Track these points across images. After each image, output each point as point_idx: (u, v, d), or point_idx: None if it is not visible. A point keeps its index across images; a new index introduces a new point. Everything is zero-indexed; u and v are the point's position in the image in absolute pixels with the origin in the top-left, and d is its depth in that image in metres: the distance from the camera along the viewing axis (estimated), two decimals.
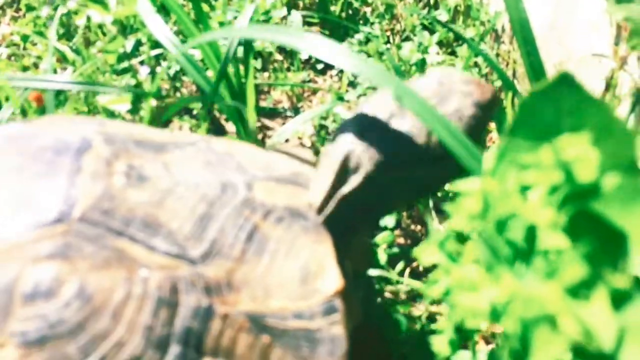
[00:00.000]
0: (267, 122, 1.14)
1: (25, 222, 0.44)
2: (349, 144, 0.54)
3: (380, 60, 1.21)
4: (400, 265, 0.80)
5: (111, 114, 1.05)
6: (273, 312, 0.46)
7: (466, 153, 0.48)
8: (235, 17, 1.26)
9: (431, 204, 0.87)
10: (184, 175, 0.51)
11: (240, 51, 0.98)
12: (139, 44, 1.20)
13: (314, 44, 0.57)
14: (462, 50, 1.21)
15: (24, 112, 0.95)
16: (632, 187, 0.23)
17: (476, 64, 1.19)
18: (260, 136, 1.10)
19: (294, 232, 0.50)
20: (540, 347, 0.21)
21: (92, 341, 0.40)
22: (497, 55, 1.22)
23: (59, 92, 1.07)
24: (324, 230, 0.52)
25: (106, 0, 1.12)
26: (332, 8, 1.39)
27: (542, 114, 0.26)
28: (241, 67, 0.97)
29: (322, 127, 1.09)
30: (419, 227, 0.91)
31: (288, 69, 1.26)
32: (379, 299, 0.78)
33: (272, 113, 1.17)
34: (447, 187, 0.71)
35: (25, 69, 1.23)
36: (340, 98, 1.13)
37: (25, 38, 1.31)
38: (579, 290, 0.21)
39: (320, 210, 0.54)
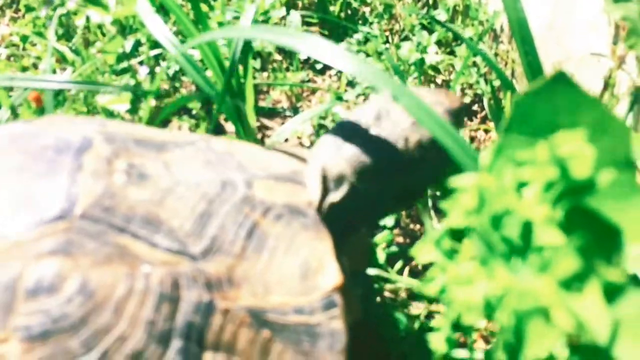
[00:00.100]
0: (266, 121, 1.15)
1: (28, 219, 0.44)
2: (327, 158, 0.56)
3: (379, 60, 1.22)
4: (399, 264, 0.81)
5: (110, 114, 1.05)
6: (273, 307, 0.46)
7: (461, 151, 0.49)
8: (235, 18, 1.27)
9: (430, 203, 0.88)
10: (184, 174, 0.51)
11: (241, 47, 0.99)
12: (138, 44, 1.20)
13: (313, 45, 0.58)
14: (461, 50, 1.22)
15: (15, 114, 0.95)
16: (627, 183, 0.23)
17: (475, 64, 1.19)
18: (259, 136, 1.10)
19: (293, 229, 0.51)
20: (534, 340, 0.21)
21: (95, 336, 0.40)
22: (496, 54, 1.22)
23: (58, 93, 1.07)
24: (323, 227, 0.53)
25: (105, 0, 1.12)
26: (331, 8, 1.39)
27: (538, 112, 0.26)
28: (240, 67, 0.98)
29: (321, 126, 1.09)
30: (417, 226, 0.92)
31: (287, 69, 1.26)
32: (378, 298, 0.78)
33: (271, 113, 1.17)
34: (436, 186, 0.72)
35: (24, 69, 1.23)
36: (339, 98, 1.13)
37: (24, 38, 1.31)
38: (573, 284, 0.22)
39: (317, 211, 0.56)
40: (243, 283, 0.46)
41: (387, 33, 1.35)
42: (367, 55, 1.25)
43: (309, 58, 1.29)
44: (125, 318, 0.41)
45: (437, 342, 0.37)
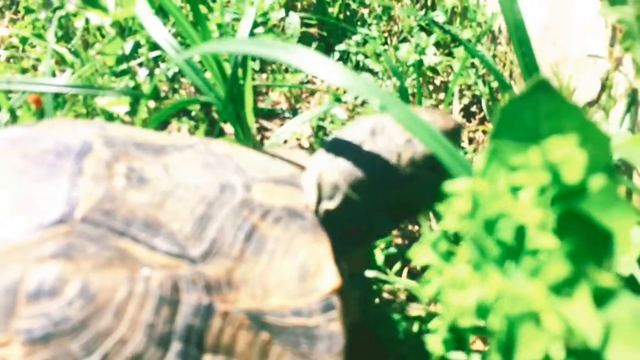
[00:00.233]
0: (265, 123, 1.15)
1: (28, 223, 0.45)
2: (323, 168, 0.58)
3: (377, 62, 1.22)
4: (397, 266, 0.81)
5: (110, 116, 1.06)
6: (272, 309, 0.46)
7: (454, 161, 0.49)
8: (234, 19, 1.27)
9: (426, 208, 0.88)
10: (184, 177, 0.52)
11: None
12: (137, 46, 1.20)
13: (304, 58, 0.58)
14: (459, 51, 1.22)
15: (14, 116, 0.96)
16: (612, 189, 0.24)
17: (473, 65, 1.20)
18: (258, 137, 1.10)
19: (291, 232, 0.51)
20: (525, 344, 0.22)
21: (95, 339, 0.41)
22: (494, 56, 1.23)
23: (57, 94, 1.08)
24: (321, 230, 0.53)
25: (104, 2, 1.12)
26: (330, 10, 1.40)
27: (521, 118, 0.27)
28: (239, 69, 0.98)
29: (320, 128, 1.10)
30: (416, 227, 0.92)
31: (286, 70, 1.27)
32: (376, 300, 0.78)
33: (270, 114, 1.18)
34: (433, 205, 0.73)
35: (24, 71, 1.23)
36: (338, 99, 1.14)
37: (24, 40, 1.32)
38: (563, 289, 0.22)
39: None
40: (242, 286, 0.47)
41: (386, 34, 1.35)
42: (366, 56, 1.25)
43: None
44: (126, 321, 0.42)
45: (434, 344, 0.38)
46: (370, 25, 1.38)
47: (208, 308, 0.44)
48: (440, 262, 0.30)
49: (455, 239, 0.31)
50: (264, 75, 1.26)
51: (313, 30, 1.38)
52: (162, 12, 1.25)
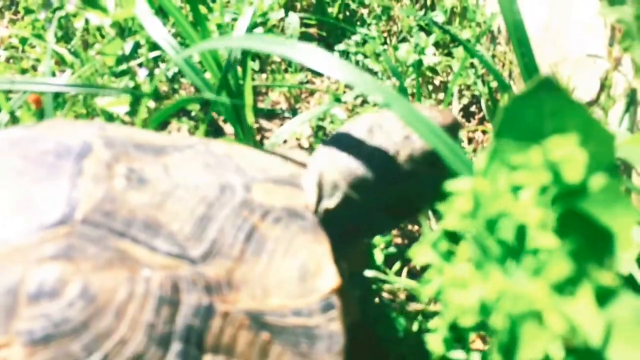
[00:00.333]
0: (265, 123, 1.15)
1: (29, 224, 0.45)
2: (322, 167, 0.58)
3: (377, 62, 1.22)
4: (397, 265, 0.81)
5: (110, 116, 1.06)
6: (272, 309, 0.47)
7: (454, 157, 0.49)
8: (234, 19, 1.27)
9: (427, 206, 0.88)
10: (184, 178, 0.52)
11: (238, 52, 0.99)
12: (137, 46, 1.20)
13: (307, 53, 0.58)
14: (459, 51, 1.22)
15: (14, 117, 0.95)
16: (614, 188, 0.24)
17: (472, 65, 1.20)
18: (258, 137, 1.10)
19: (291, 232, 0.51)
20: (527, 342, 0.22)
21: (96, 339, 0.41)
22: (493, 56, 1.23)
23: (57, 95, 1.08)
24: (321, 230, 0.53)
25: (104, 3, 1.12)
26: (330, 10, 1.40)
27: (525, 117, 0.27)
28: (239, 69, 0.98)
29: (319, 128, 1.10)
30: (416, 227, 0.92)
31: (286, 70, 1.27)
32: (376, 299, 0.78)
33: (270, 114, 1.18)
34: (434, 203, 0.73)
35: (23, 71, 1.23)
36: (338, 99, 1.14)
37: (23, 41, 1.32)
38: (565, 287, 0.22)
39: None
40: (242, 286, 0.47)
41: (385, 34, 1.35)
42: (365, 56, 1.25)
43: None
44: (126, 322, 0.42)
45: (434, 343, 0.38)
46: (369, 25, 1.38)
47: (208, 308, 0.45)
48: (440, 262, 0.30)
49: (455, 238, 0.32)
50: (264, 76, 1.26)
51: (312, 30, 1.38)
52: (161, 13, 1.25)
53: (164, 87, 1.19)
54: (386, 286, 0.80)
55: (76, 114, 1.06)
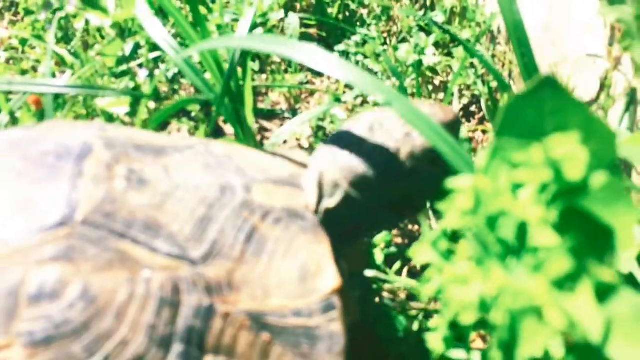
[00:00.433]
0: (265, 123, 1.15)
1: (29, 226, 0.45)
2: (323, 166, 0.58)
3: (377, 62, 1.22)
4: (397, 265, 0.81)
5: (110, 117, 1.06)
6: (273, 310, 0.47)
7: (456, 156, 0.49)
8: (233, 20, 1.27)
9: (427, 204, 0.88)
10: (184, 178, 0.52)
11: (239, 53, 0.99)
12: (137, 47, 1.20)
13: (307, 53, 0.58)
14: (459, 51, 1.22)
15: (14, 118, 0.96)
16: (615, 186, 0.24)
17: (472, 65, 1.20)
18: (258, 138, 1.10)
19: (292, 233, 0.51)
20: (527, 338, 0.22)
21: (97, 341, 0.41)
22: (493, 56, 1.23)
23: (57, 96, 1.08)
24: (321, 231, 0.53)
25: (104, 3, 1.12)
26: (329, 10, 1.40)
27: (526, 115, 0.27)
28: (239, 69, 0.98)
29: (319, 128, 1.10)
30: (416, 227, 0.92)
31: (285, 71, 1.27)
32: (376, 299, 0.78)
33: (270, 115, 1.18)
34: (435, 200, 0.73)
35: (24, 72, 1.24)
36: (338, 99, 1.14)
37: (23, 42, 1.32)
38: (565, 284, 0.22)
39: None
40: (243, 287, 0.47)
41: (385, 35, 1.35)
42: (365, 57, 1.25)
43: None
44: (127, 323, 0.42)
45: (434, 341, 0.38)
46: (369, 25, 1.38)
47: (209, 309, 0.45)
48: (440, 261, 0.30)
49: (455, 238, 0.32)
50: (264, 76, 1.26)
51: (312, 30, 1.38)
52: (161, 13, 1.25)
53: (164, 88, 1.19)
54: (386, 286, 0.80)
55: (76, 115, 1.06)
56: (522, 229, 0.24)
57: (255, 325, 0.45)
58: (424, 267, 0.87)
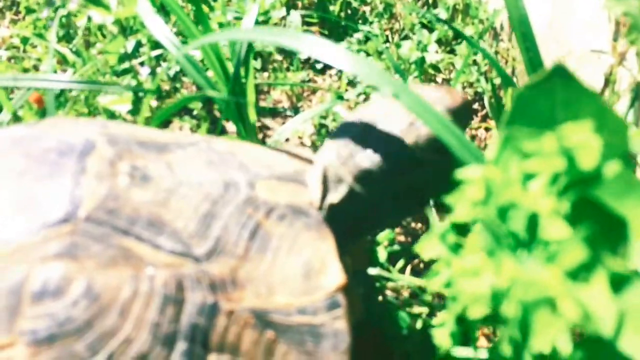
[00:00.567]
0: (267, 121, 1.15)
1: (32, 223, 0.44)
2: (328, 161, 0.57)
3: (379, 59, 1.22)
4: (400, 263, 0.81)
5: (112, 115, 1.05)
6: (277, 308, 0.46)
7: (463, 149, 0.49)
8: (235, 18, 1.27)
9: (431, 201, 0.88)
10: (187, 175, 0.51)
11: (243, 49, 0.99)
12: (139, 45, 1.20)
13: (313, 45, 0.58)
14: (461, 48, 1.22)
15: (16, 116, 0.95)
16: (627, 177, 0.23)
17: (475, 62, 1.19)
18: (260, 136, 1.10)
19: (296, 230, 0.51)
20: (540, 330, 0.21)
21: (100, 338, 0.40)
22: (496, 53, 1.22)
23: (59, 94, 1.07)
24: (325, 227, 0.53)
25: (106, 0, 1.12)
26: (331, 8, 1.39)
27: (536, 105, 0.26)
28: (241, 67, 0.98)
29: (322, 126, 1.09)
30: (419, 225, 0.92)
31: (287, 69, 1.26)
32: (380, 297, 0.78)
33: (272, 113, 1.17)
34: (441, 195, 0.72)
35: (25, 71, 1.23)
36: (340, 97, 1.13)
37: (25, 40, 1.31)
38: (579, 274, 0.22)
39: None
40: (247, 284, 0.46)
41: (387, 32, 1.35)
42: (368, 54, 1.25)
43: (309, 58, 1.29)
44: (131, 320, 0.41)
45: (441, 337, 0.37)
46: (371, 23, 1.37)
47: (213, 307, 0.44)
48: (448, 254, 0.30)
49: (463, 231, 0.31)
50: (266, 74, 1.26)
51: (314, 28, 1.37)
52: (163, 11, 1.25)
53: (165, 86, 1.19)
54: (390, 284, 0.79)
55: (78, 114, 1.06)
56: (533, 221, 0.24)
57: (259, 323, 0.45)
58: (428, 265, 0.86)
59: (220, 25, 1.19)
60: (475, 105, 1.17)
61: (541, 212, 0.23)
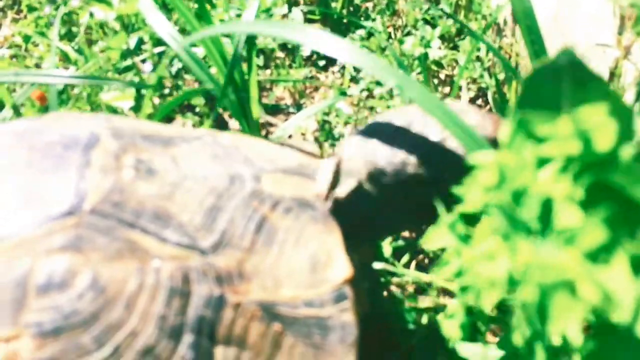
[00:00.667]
0: (270, 118, 1.15)
1: (37, 216, 0.44)
2: (346, 153, 0.56)
3: (382, 56, 1.22)
4: (405, 258, 0.80)
5: (114, 112, 1.05)
6: (284, 300, 0.46)
7: (478, 149, 0.48)
8: (237, 15, 1.26)
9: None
10: (192, 168, 0.51)
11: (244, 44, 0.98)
12: (141, 42, 1.20)
13: (317, 38, 0.57)
14: (465, 44, 1.21)
15: (18, 113, 0.95)
16: (638, 160, 0.23)
17: (478, 58, 1.19)
18: (263, 132, 1.10)
19: (302, 222, 0.51)
20: (558, 314, 0.21)
21: (106, 331, 0.40)
22: (500, 48, 1.22)
23: (61, 91, 1.07)
24: (331, 220, 0.53)
25: None
26: (333, 4, 1.39)
27: (544, 90, 0.26)
28: (244, 64, 0.97)
29: (325, 122, 1.09)
30: None
31: (290, 66, 1.26)
32: (385, 292, 0.78)
33: (275, 109, 1.17)
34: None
35: (27, 69, 1.23)
36: (343, 93, 1.13)
37: (27, 39, 1.31)
38: (599, 255, 0.21)
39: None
40: (253, 277, 0.46)
41: (390, 28, 1.35)
42: (371, 50, 1.25)
43: (311, 55, 1.29)
44: (137, 313, 0.41)
45: (450, 328, 0.37)
46: (374, 19, 1.37)
47: (219, 299, 0.44)
48: (458, 244, 0.29)
49: (471, 221, 0.31)
50: (268, 71, 1.26)
51: (316, 25, 1.37)
52: (165, 8, 1.24)
53: (167, 83, 1.19)
54: (394, 279, 0.79)
55: (80, 110, 1.06)
56: (547, 206, 0.23)
57: (266, 316, 0.45)
58: (432, 260, 0.86)
59: (222, 22, 1.19)
60: (479, 101, 1.17)
61: (555, 196, 0.23)
